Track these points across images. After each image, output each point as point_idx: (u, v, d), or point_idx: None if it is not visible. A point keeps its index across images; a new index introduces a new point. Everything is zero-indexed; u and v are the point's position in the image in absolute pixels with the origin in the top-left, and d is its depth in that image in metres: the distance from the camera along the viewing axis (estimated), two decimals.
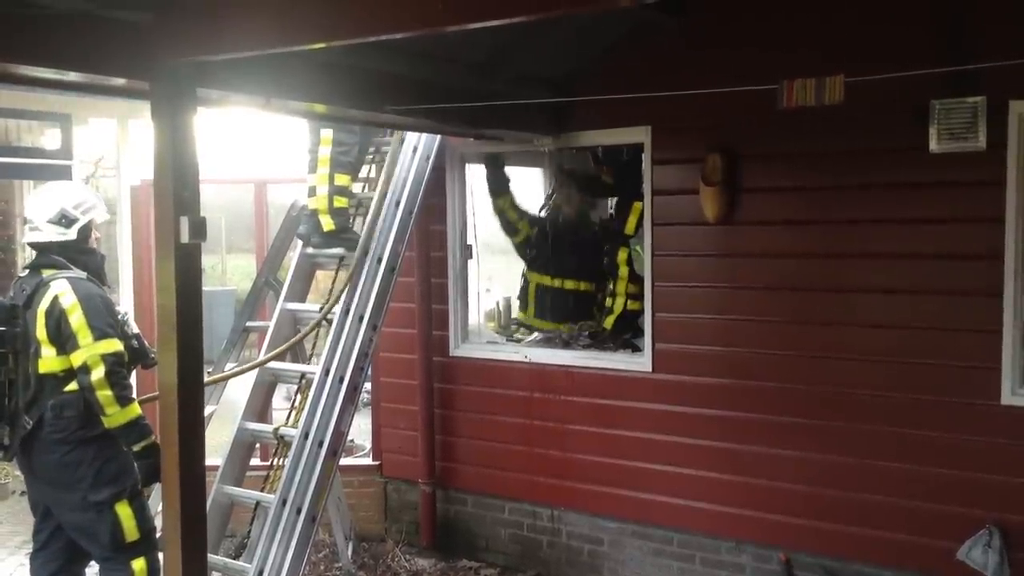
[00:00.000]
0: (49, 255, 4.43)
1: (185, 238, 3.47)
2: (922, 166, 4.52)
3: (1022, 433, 4.40)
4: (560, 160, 6.99)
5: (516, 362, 6.00)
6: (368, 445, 7.15)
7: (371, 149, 6.12)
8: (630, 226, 6.04)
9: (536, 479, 5.93)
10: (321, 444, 5.12)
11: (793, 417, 4.99)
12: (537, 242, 6.57)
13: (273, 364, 5.59)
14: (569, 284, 6.51)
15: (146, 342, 4.65)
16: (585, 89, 5.39)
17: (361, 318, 5.41)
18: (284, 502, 4.95)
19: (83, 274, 4.41)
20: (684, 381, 5.34)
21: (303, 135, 5.91)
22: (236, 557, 5.27)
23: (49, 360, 4.29)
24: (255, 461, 5.93)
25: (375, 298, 5.46)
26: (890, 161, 4.67)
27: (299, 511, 4.97)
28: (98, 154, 9.63)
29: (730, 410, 5.19)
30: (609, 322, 6.16)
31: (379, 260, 5.53)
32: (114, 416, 4.22)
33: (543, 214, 6.81)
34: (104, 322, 4.29)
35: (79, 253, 4.47)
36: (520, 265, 6.80)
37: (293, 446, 5.09)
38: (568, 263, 6.49)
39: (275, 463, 5.47)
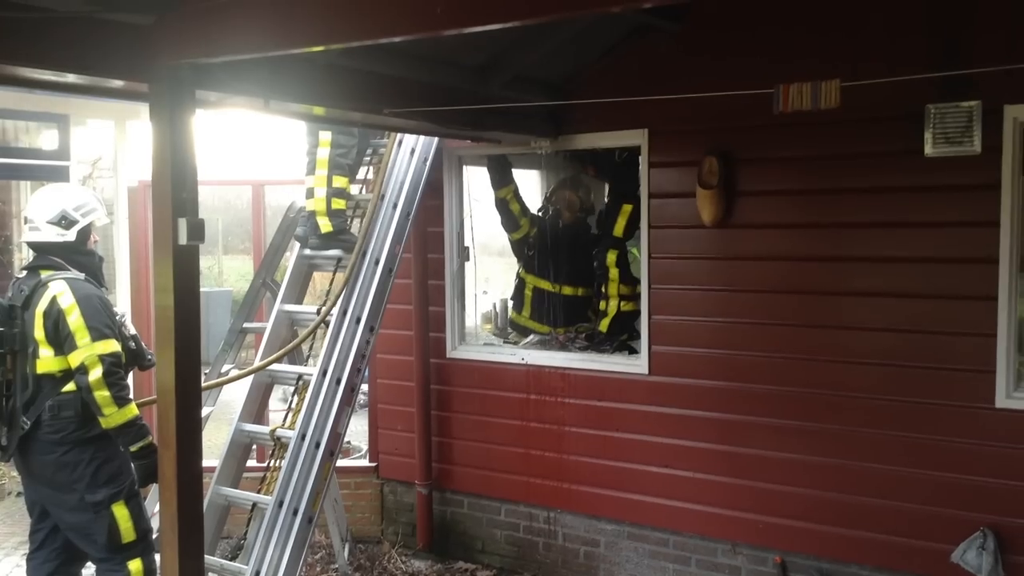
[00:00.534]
0: (48, 256, 4.44)
1: (183, 239, 3.48)
2: (917, 170, 4.53)
3: (1016, 436, 4.42)
4: (557, 165, 7.01)
5: (513, 364, 6.01)
6: (365, 447, 7.16)
7: (369, 151, 6.13)
8: (618, 228, 6.06)
9: (532, 481, 5.94)
10: (318, 445, 5.13)
11: (788, 420, 5.01)
12: (535, 243, 6.58)
13: (270, 366, 5.59)
14: (567, 290, 6.52)
15: (143, 343, 4.66)
16: (583, 92, 5.40)
17: (358, 320, 5.42)
18: (281, 503, 4.96)
19: (81, 275, 4.42)
20: (680, 383, 5.35)
21: (301, 137, 5.92)
22: (232, 558, 5.27)
23: (47, 360, 4.29)
24: (252, 462, 5.93)
25: (372, 300, 5.48)
26: (886, 165, 4.69)
27: (295, 512, 4.97)
28: (96, 155, 9.61)
29: (726, 412, 5.20)
30: (604, 324, 6.17)
31: (376, 262, 5.54)
32: (111, 417, 4.22)
33: (541, 214, 6.83)
34: (102, 323, 4.30)
35: (77, 254, 4.48)
36: (517, 267, 6.82)
37: (290, 447, 5.10)
38: (565, 268, 6.51)
39: (272, 464, 5.47)
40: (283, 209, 6.21)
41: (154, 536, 4.46)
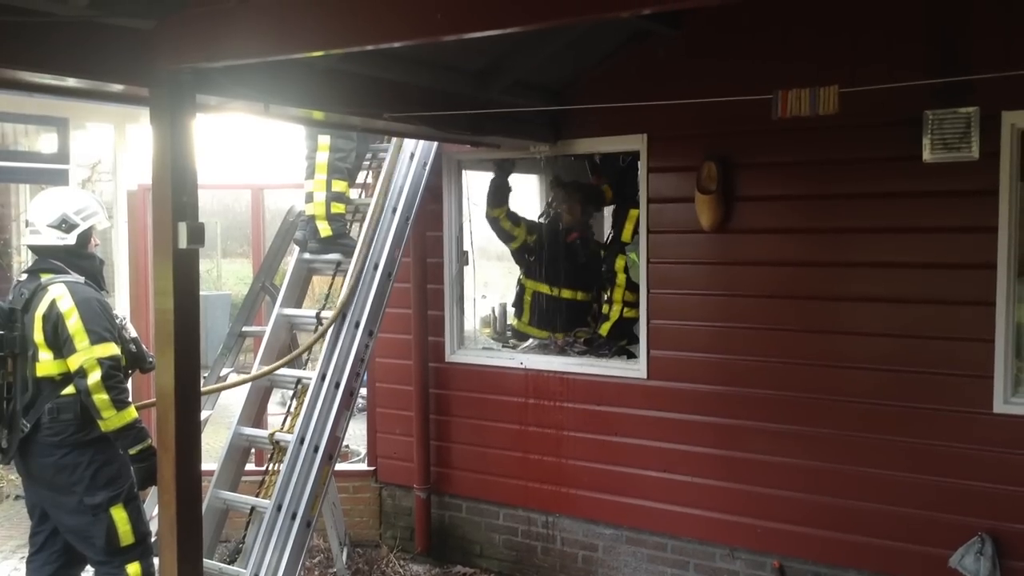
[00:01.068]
0: (48, 259, 4.46)
1: (183, 243, 3.49)
2: (916, 176, 4.54)
3: (1014, 441, 4.43)
4: (557, 171, 7.02)
5: (511, 368, 6.02)
6: (363, 450, 7.16)
7: (368, 155, 6.14)
8: (626, 233, 6.07)
9: (531, 485, 5.94)
10: (316, 449, 5.13)
11: (787, 424, 5.01)
12: (535, 249, 6.58)
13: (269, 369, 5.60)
14: (566, 293, 6.53)
15: (144, 346, 4.66)
16: (582, 97, 5.42)
17: (357, 324, 5.42)
18: (279, 507, 4.96)
19: (81, 278, 4.43)
20: (679, 388, 5.36)
21: (300, 141, 5.93)
22: (231, 562, 5.27)
23: (46, 364, 4.30)
24: (250, 466, 5.93)
25: (371, 304, 5.48)
26: (884, 171, 4.70)
27: (294, 516, 4.97)
28: (95, 159, 9.63)
29: (724, 417, 5.21)
30: (605, 329, 6.18)
31: (376, 266, 5.54)
32: (110, 420, 4.23)
33: (542, 220, 6.84)
34: (101, 326, 4.31)
35: (78, 258, 4.50)
36: (516, 272, 6.82)
37: (288, 451, 5.10)
38: (565, 272, 6.51)
39: (270, 468, 5.47)
40: (282, 213, 6.22)
41: (153, 539, 4.45)
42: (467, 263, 6.37)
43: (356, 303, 5.43)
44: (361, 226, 5.70)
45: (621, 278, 6.12)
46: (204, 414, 5.20)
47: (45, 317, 4.29)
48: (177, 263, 3.51)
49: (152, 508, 4.97)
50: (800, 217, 4.99)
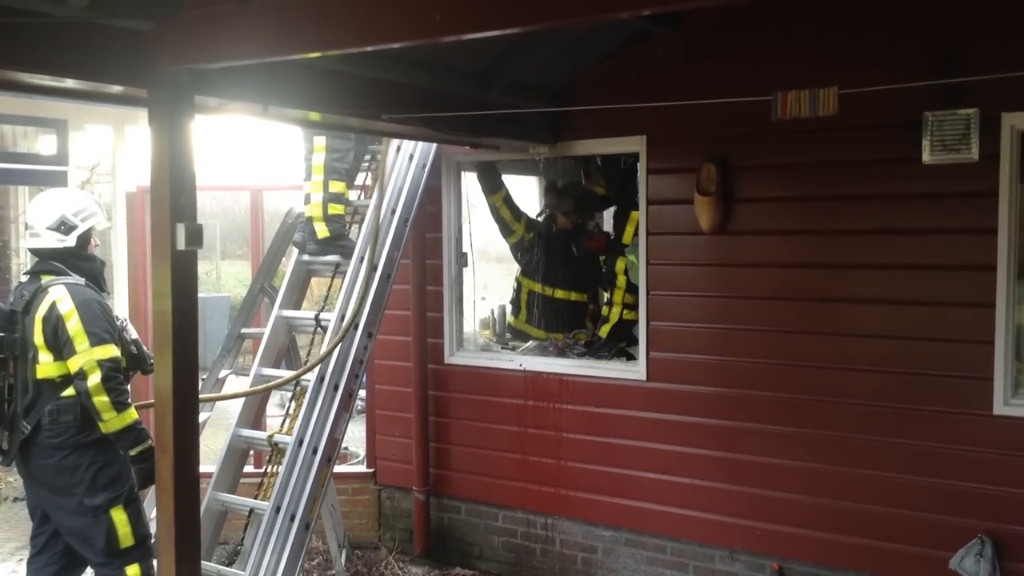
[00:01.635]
0: (49, 261, 4.45)
1: (181, 245, 3.48)
2: (915, 177, 4.54)
3: (1014, 443, 4.42)
4: (555, 175, 7.03)
5: (511, 370, 6.01)
6: (362, 452, 7.15)
7: (367, 156, 6.14)
8: (627, 235, 6.07)
9: (530, 487, 5.94)
10: (315, 451, 5.13)
11: (786, 426, 5.01)
12: (530, 248, 6.59)
13: (267, 371, 5.60)
14: (560, 294, 6.54)
15: (145, 348, 4.66)
16: (581, 99, 5.42)
17: (356, 325, 5.41)
18: (278, 509, 4.95)
19: (81, 280, 4.43)
20: (678, 390, 5.35)
21: (299, 143, 5.93)
22: (229, 564, 5.27)
23: (46, 365, 4.30)
24: (249, 468, 5.93)
25: (370, 305, 5.47)
26: (883, 172, 4.70)
27: (293, 518, 4.96)
28: (94, 160, 9.63)
29: (724, 419, 5.20)
30: (605, 331, 6.18)
31: (375, 267, 5.54)
32: (111, 421, 4.22)
33: (539, 219, 6.84)
34: (101, 328, 4.31)
35: (78, 259, 4.49)
36: (515, 273, 6.82)
37: (287, 453, 5.09)
38: (559, 274, 6.52)
39: (269, 470, 5.48)
40: (281, 214, 6.22)
41: (153, 541, 4.45)
42: (466, 265, 6.37)
43: (354, 305, 5.41)
44: (360, 227, 5.70)
45: (621, 280, 6.12)
46: (203, 416, 5.20)
47: (45, 319, 4.29)
48: (175, 265, 3.50)
49: (151, 509, 4.97)
50: (800, 219, 4.99)
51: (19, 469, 4.52)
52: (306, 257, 5.86)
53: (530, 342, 6.47)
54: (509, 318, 6.87)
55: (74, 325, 4.24)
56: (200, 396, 3.88)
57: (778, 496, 5.04)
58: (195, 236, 3.51)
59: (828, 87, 3.56)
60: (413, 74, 4.50)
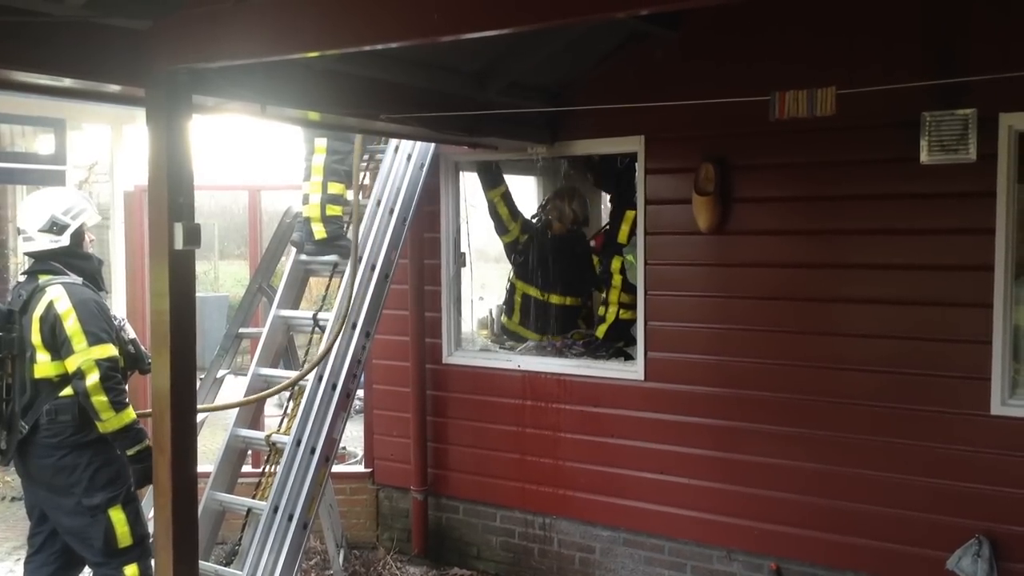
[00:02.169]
0: (46, 261, 4.44)
1: (179, 244, 3.48)
2: (913, 177, 4.54)
3: (1012, 443, 4.43)
4: (555, 173, 7.02)
5: (509, 370, 6.01)
6: (360, 452, 7.15)
7: (365, 157, 6.13)
8: (623, 234, 6.07)
9: (528, 487, 5.93)
10: (313, 451, 5.12)
11: (784, 426, 5.01)
12: (525, 250, 6.58)
13: (265, 371, 5.60)
14: (555, 299, 6.54)
15: (142, 347, 4.66)
16: (580, 98, 5.42)
17: (354, 325, 5.41)
18: (276, 509, 4.95)
19: (79, 279, 4.42)
20: (676, 390, 5.35)
21: (298, 142, 5.93)
22: (227, 564, 5.26)
23: (44, 365, 4.29)
24: (247, 468, 5.92)
25: (368, 305, 5.47)
26: (882, 172, 4.70)
27: (291, 518, 4.96)
28: (92, 159, 9.62)
29: (722, 419, 5.20)
30: (601, 331, 6.18)
31: (373, 267, 5.54)
32: (109, 421, 4.22)
33: (535, 221, 6.83)
34: (99, 327, 4.30)
35: (75, 258, 4.49)
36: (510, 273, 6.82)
37: (285, 453, 5.09)
38: (554, 279, 6.52)
39: (267, 470, 5.47)
40: (279, 214, 6.21)
41: (151, 541, 4.45)
42: (464, 265, 6.37)
43: (352, 304, 5.42)
44: (354, 227, 5.70)
45: (617, 279, 6.12)
46: (201, 416, 5.19)
47: (43, 318, 4.28)
48: (173, 264, 3.51)
49: (150, 509, 4.97)
50: (798, 219, 4.99)
51: (17, 469, 4.52)
52: (304, 257, 5.86)
53: (528, 342, 6.47)
54: (502, 319, 6.87)
55: (72, 324, 4.24)
56: (198, 406, 3.88)
57: (776, 496, 5.04)
58: (193, 236, 3.51)
59: (826, 87, 3.56)
60: (411, 74, 4.50)
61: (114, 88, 3.61)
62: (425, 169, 5.88)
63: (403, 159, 5.81)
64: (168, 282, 3.50)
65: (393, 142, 5.77)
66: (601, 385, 5.65)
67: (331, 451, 5.27)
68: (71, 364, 4.23)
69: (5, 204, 9.76)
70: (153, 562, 4.22)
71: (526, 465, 5.93)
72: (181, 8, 3.33)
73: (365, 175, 6.23)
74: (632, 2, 2.61)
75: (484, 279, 7.16)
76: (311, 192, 5.70)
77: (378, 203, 5.65)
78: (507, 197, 6.55)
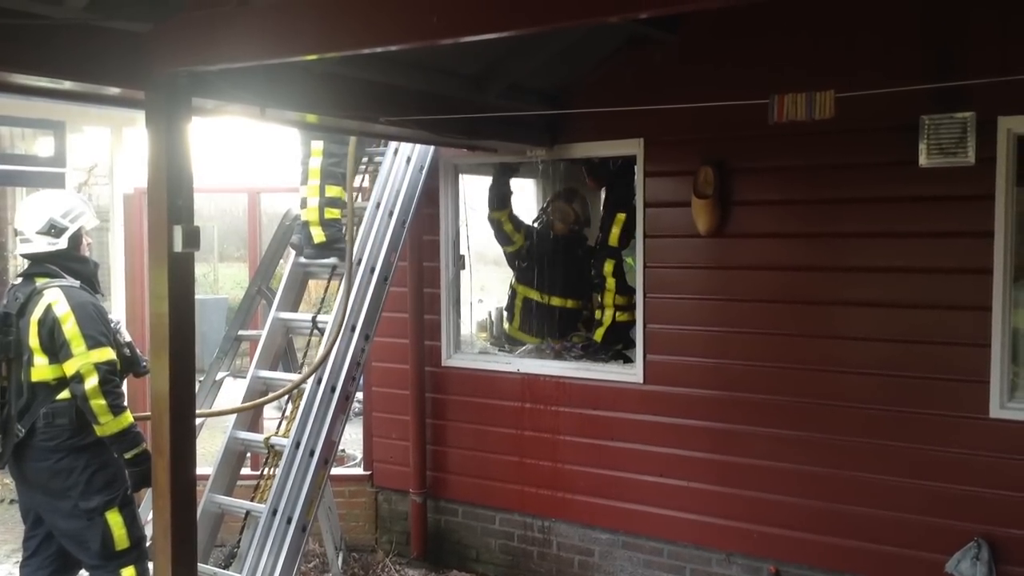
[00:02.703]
0: (43, 264, 4.44)
1: (178, 247, 3.48)
2: (912, 181, 4.55)
3: (1010, 446, 4.43)
4: (555, 175, 7.02)
5: (508, 373, 6.01)
6: (359, 455, 7.15)
7: (364, 159, 6.13)
8: (613, 237, 6.06)
9: (527, 490, 5.93)
10: (312, 454, 5.12)
11: (783, 429, 5.01)
12: (528, 255, 6.58)
13: (264, 373, 5.60)
14: (556, 301, 6.53)
15: (138, 350, 4.65)
16: (579, 101, 5.42)
17: (353, 328, 5.41)
18: (275, 511, 4.95)
19: (76, 282, 4.41)
20: (675, 392, 5.35)
21: (296, 145, 5.92)
22: (226, 567, 5.25)
23: (41, 368, 4.29)
24: (246, 470, 5.92)
25: (367, 308, 5.47)
26: (880, 175, 4.71)
27: (289, 520, 4.96)
28: (92, 162, 9.62)
29: (721, 422, 5.20)
30: (599, 334, 6.17)
31: (372, 270, 5.54)
32: (107, 425, 4.22)
33: (536, 225, 6.84)
34: (97, 331, 4.30)
35: (72, 261, 4.48)
36: (510, 278, 6.82)
37: (284, 455, 5.09)
38: (556, 280, 6.51)
39: (266, 472, 5.47)
40: (279, 216, 6.21)
41: (148, 544, 4.44)
42: (464, 267, 6.37)
43: (352, 307, 5.42)
44: (357, 230, 5.70)
45: (611, 282, 6.11)
46: (199, 418, 5.19)
47: (40, 322, 4.27)
48: (172, 267, 3.51)
49: (147, 512, 4.96)
50: (797, 221, 4.99)
51: (12, 472, 4.51)
52: (303, 259, 5.86)
53: (527, 345, 6.47)
54: (504, 325, 6.86)
55: (71, 328, 4.23)
56: (198, 411, 3.88)
57: (775, 499, 5.04)
58: (192, 238, 3.51)
59: (825, 90, 3.57)
60: (410, 77, 4.51)
61: (114, 91, 3.61)
62: (424, 171, 5.89)
63: (402, 161, 5.81)
64: (167, 284, 3.50)
65: (392, 144, 5.77)
66: (600, 388, 5.65)
67: (330, 453, 5.26)
68: (70, 368, 4.22)
69: (4, 206, 9.77)
70: (150, 565, 4.24)
71: (525, 468, 5.93)
72: (181, 11, 3.33)
73: (364, 178, 6.23)
74: (626, 6, 2.61)
75: (483, 282, 7.16)
76: (309, 196, 5.70)
77: (377, 205, 5.66)
78: (512, 215, 6.54)
